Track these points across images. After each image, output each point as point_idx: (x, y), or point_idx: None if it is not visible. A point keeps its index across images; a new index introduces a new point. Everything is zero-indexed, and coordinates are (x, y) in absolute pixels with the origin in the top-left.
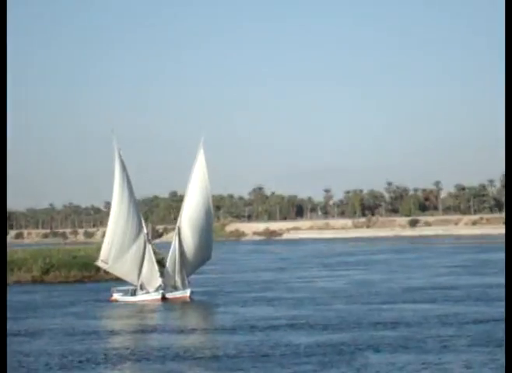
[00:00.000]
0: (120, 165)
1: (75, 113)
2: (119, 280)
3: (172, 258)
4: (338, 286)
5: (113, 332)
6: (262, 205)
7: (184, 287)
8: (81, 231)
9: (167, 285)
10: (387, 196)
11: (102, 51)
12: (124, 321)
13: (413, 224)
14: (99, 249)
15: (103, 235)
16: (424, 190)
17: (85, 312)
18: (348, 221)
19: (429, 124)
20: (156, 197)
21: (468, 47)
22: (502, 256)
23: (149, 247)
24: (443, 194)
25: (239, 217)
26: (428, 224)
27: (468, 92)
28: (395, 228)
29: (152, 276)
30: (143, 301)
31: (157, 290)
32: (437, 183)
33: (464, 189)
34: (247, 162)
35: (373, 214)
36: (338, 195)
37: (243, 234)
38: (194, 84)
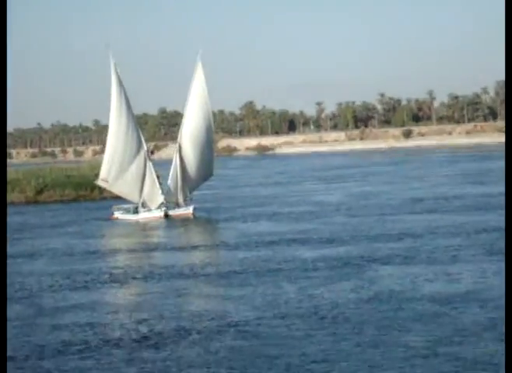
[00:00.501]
0: (116, 80)
1: (65, 30)
2: (115, 199)
3: (173, 175)
4: (337, 199)
5: (115, 251)
6: (253, 120)
7: (186, 203)
8: (70, 149)
9: (169, 202)
10: (379, 107)
11: None
12: (127, 239)
13: (407, 135)
14: (92, 168)
15: (94, 154)
16: (417, 101)
17: (84, 231)
18: (342, 134)
19: (420, 32)
20: (144, 114)
21: None
22: (499, 164)
23: (149, 164)
24: (436, 104)
25: (230, 132)
26: (422, 134)
27: None
28: (389, 139)
29: (154, 193)
30: (145, 218)
31: (159, 207)
32: (430, 93)
33: (457, 97)
34: (237, 76)
35: (366, 126)
36: (330, 108)
37: (235, 149)
38: None
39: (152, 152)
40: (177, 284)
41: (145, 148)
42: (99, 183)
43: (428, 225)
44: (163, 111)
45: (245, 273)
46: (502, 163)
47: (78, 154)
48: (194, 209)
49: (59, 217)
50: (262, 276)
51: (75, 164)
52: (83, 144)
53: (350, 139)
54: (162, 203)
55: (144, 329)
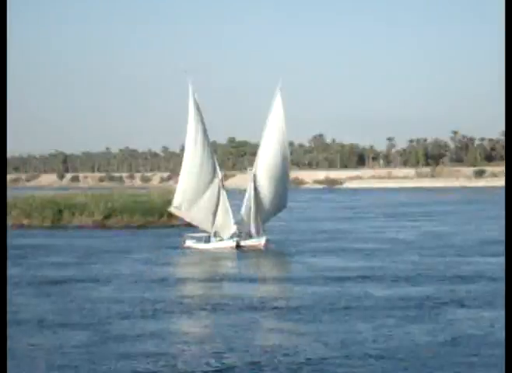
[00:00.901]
0: (194, 106)
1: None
2: (183, 227)
3: (247, 205)
4: (409, 237)
5: (186, 280)
6: (322, 153)
7: (258, 234)
8: (138, 175)
9: (242, 232)
10: (452, 145)
11: None
12: (198, 268)
13: (479, 174)
14: (161, 194)
15: (161, 181)
16: (490, 140)
17: (155, 258)
18: (411, 171)
19: (494, 70)
20: (213, 143)
21: None
22: None
23: (223, 193)
24: None
25: (299, 165)
26: (494, 174)
27: None
28: (460, 178)
29: (226, 222)
30: (217, 248)
31: (231, 237)
32: (504, 133)
33: None
34: (308, 107)
35: (437, 164)
36: (401, 144)
37: (302, 182)
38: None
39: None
40: (246, 316)
41: (219, 176)
42: (172, 210)
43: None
44: (231, 140)
45: (316, 308)
46: None
47: (146, 180)
48: (267, 240)
49: (128, 242)
50: (334, 312)
51: (143, 190)
52: (151, 170)
53: (420, 176)
54: (234, 233)
55: (215, 362)
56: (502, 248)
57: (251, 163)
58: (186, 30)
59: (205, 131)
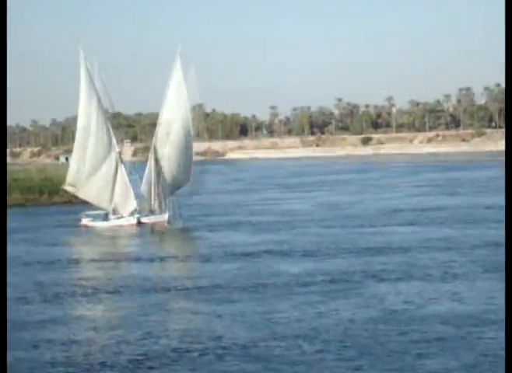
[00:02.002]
0: (85, 74)
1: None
2: (66, 204)
3: (148, 179)
4: (306, 208)
5: (83, 261)
6: (203, 123)
7: (161, 210)
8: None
9: (143, 209)
10: (336, 113)
11: None
12: (96, 248)
13: (366, 142)
14: (39, 171)
15: (31, 156)
16: (376, 107)
17: (45, 238)
18: (297, 140)
19: (380, 34)
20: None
21: None
22: (467, 174)
23: (121, 167)
24: (395, 111)
25: None
26: (381, 142)
27: None
28: (347, 146)
29: (126, 199)
30: (116, 226)
31: (132, 214)
32: (390, 99)
33: (418, 104)
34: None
35: (322, 133)
36: (284, 113)
37: None
38: None
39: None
40: (154, 298)
41: (116, 148)
42: (67, 187)
43: (413, 238)
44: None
45: (228, 287)
46: (470, 174)
47: (15, 155)
48: (170, 216)
49: (11, 222)
50: (249, 291)
51: (15, 166)
52: (20, 145)
53: (305, 145)
54: (135, 209)
55: (135, 349)
56: (405, 217)
57: (126, 136)
58: None
59: (99, 101)
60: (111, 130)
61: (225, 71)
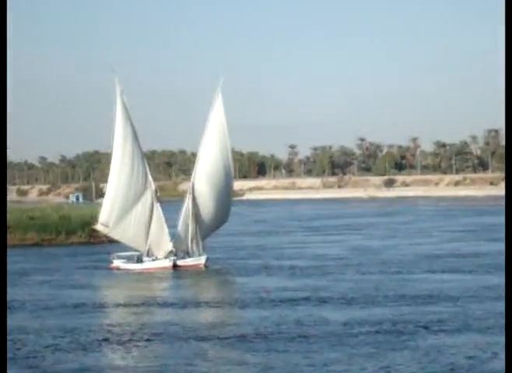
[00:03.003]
0: (122, 108)
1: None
2: (85, 245)
3: (185, 219)
4: (338, 252)
5: (116, 305)
6: None
7: (198, 252)
8: (13, 188)
9: (179, 250)
10: (358, 153)
11: None
12: (129, 291)
13: (389, 184)
14: (57, 209)
15: (39, 194)
16: (400, 147)
17: (72, 281)
18: (317, 181)
19: (405, 74)
20: (96, 152)
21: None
22: (501, 219)
23: (157, 206)
24: (420, 152)
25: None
26: (405, 184)
27: (455, 39)
28: (369, 188)
29: (161, 239)
30: (151, 268)
31: (167, 256)
32: (414, 140)
33: (444, 146)
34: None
35: (344, 173)
36: (304, 152)
37: None
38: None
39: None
40: (189, 346)
41: (152, 186)
42: (99, 227)
43: (460, 286)
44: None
45: (270, 336)
46: (502, 218)
47: (22, 193)
48: (207, 259)
49: (28, 263)
50: (293, 341)
51: (18, 204)
52: (28, 182)
53: (326, 186)
54: (170, 251)
55: None
56: (446, 264)
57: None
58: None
59: (134, 136)
60: (147, 166)
61: (242, 107)
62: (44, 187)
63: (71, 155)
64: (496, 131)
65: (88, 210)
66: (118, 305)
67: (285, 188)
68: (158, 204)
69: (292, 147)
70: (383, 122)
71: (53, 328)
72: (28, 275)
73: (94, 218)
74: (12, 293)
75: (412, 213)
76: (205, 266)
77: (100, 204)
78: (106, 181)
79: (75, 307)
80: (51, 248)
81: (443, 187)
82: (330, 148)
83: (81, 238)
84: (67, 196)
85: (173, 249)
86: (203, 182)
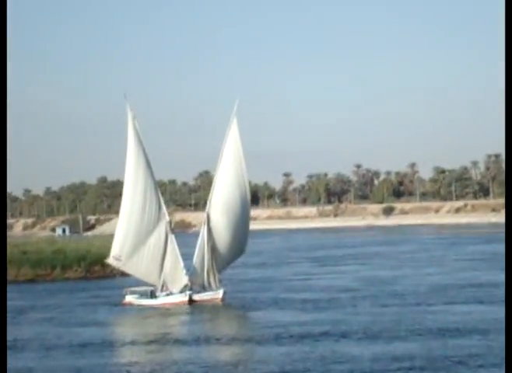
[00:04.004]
0: (134, 135)
1: None
2: (83, 279)
3: (200, 251)
4: (347, 284)
5: (130, 343)
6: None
7: (215, 286)
8: None
9: (194, 284)
10: (355, 180)
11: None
12: (144, 329)
13: (388, 212)
14: (50, 242)
15: (24, 228)
16: (398, 174)
17: (75, 318)
18: (313, 209)
19: (402, 98)
20: (82, 184)
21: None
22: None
23: (171, 237)
24: (419, 178)
25: (183, 205)
26: (404, 211)
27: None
28: (367, 216)
29: (176, 273)
30: (166, 304)
31: (183, 290)
32: (412, 166)
33: (443, 172)
34: (190, 142)
35: (340, 201)
36: (299, 180)
37: (190, 225)
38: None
39: (93, 226)
40: None
41: (167, 217)
42: (111, 261)
43: (486, 318)
44: (103, 180)
45: None
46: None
47: (7, 227)
48: (225, 293)
49: (25, 300)
50: None
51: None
52: (12, 216)
53: (323, 215)
54: (186, 285)
55: None
56: (467, 294)
57: None
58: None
59: (147, 164)
60: (161, 197)
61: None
62: (29, 221)
63: (57, 186)
64: (497, 156)
65: (83, 243)
66: (134, 343)
67: (280, 217)
68: (172, 236)
69: (287, 175)
70: (379, 148)
71: (65, 369)
72: (26, 313)
73: (90, 252)
74: (13, 332)
75: (414, 241)
76: (223, 300)
77: (89, 238)
78: (93, 213)
79: (84, 346)
80: (47, 283)
81: (444, 214)
82: (325, 175)
83: (77, 272)
84: (53, 229)
85: (189, 283)
86: (219, 212)
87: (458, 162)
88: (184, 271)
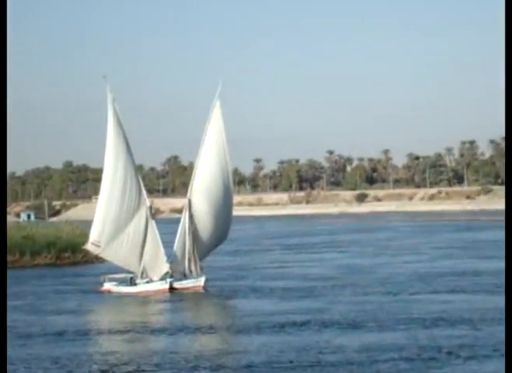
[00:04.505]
0: (114, 118)
1: None
2: (53, 266)
3: (181, 238)
4: (326, 272)
5: (106, 332)
6: (179, 177)
7: (196, 274)
8: None
9: (175, 272)
10: (327, 166)
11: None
12: (121, 317)
13: (361, 199)
14: (19, 228)
15: None
16: (371, 160)
17: (48, 305)
18: (284, 196)
19: (376, 82)
20: (47, 168)
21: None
22: (487, 235)
23: (152, 223)
24: (392, 165)
25: (151, 191)
26: (377, 198)
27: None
28: (340, 203)
29: (157, 260)
30: (146, 291)
31: (163, 278)
32: (386, 152)
33: (417, 158)
34: (159, 127)
35: (312, 188)
36: (270, 166)
37: (158, 211)
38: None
39: (59, 212)
40: None
41: (147, 203)
42: (89, 247)
43: (471, 308)
44: (68, 164)
45: (283, 365)
46: (491, 234)
47: None
48: (207, 280)
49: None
50: (308, 370)
51: None
52: None
53: (294, 202)
54: (167, 272)
55: None
56: (448, 283)
57: (96, 191)
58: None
59: (127, 148)
60: (141, 182)
61: (203, 120)
62: None
63: (21, 171)
64: (472, 142)
65: (51, 229)
66: (113, 332)
67: (251, 204)
68: (153, 222)
69: (258, 160)
70: (352, 134)
71: (42, 357)
72: (23, 298)
73: (59, 238)
74: None
75: (389, 229)
76: (204, 288)
77: (56, 223)
78: (58, 199)
79: (60, 334)
80: (16, 270)
81: (418, 202)
82: (297, 161)
83: (47, 259)
84: (17, 215)
85: (170, 270)
86: (202, 199)
87: (432, 149)
88: (165, 258)
